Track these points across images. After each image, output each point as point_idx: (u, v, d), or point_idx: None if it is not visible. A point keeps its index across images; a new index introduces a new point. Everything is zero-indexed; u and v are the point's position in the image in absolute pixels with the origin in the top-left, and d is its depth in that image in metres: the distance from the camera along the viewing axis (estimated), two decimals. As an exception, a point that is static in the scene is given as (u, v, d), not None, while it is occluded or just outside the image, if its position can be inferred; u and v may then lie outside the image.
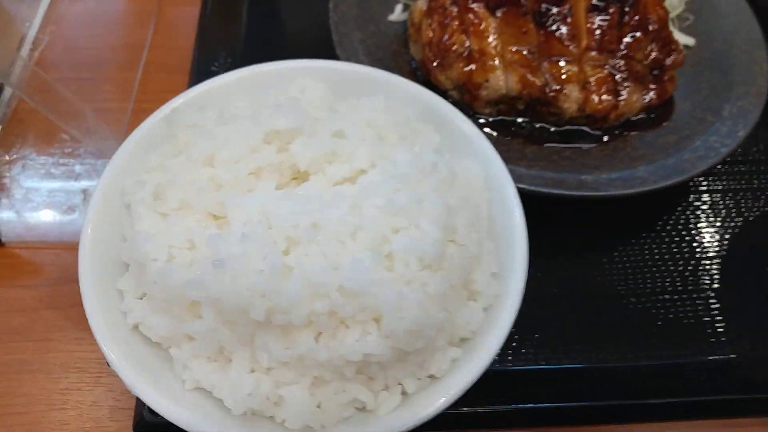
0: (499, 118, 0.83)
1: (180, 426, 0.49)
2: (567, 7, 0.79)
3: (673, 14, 0.93)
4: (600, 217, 0.79)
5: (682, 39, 0.90)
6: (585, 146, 0.80)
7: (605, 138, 0.82)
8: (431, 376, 0.52)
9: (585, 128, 0.82)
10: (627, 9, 0.80)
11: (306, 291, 0.45)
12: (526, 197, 0.58)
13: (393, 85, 0.64)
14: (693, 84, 0.86)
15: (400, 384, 0.51)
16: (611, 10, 0.80)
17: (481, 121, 0.83)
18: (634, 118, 0.83)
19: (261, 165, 0.53)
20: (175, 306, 0.48)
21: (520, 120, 0.83)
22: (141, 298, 0.53)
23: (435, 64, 0.80)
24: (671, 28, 0.87)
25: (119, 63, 0.96)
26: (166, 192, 0.53)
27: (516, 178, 0.60)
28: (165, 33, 0.99)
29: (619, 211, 0.79)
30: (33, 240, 0.80)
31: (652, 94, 0.82)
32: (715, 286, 0.75)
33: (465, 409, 0.60)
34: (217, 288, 0.44)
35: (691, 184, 0.84)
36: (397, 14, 0.93)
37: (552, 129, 0.82)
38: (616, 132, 0.82)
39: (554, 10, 0.79)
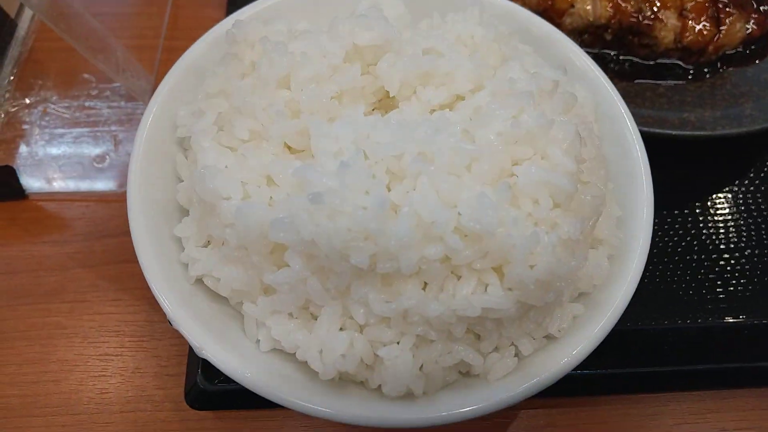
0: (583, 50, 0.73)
1: (258, 393, 0.41)
2: None
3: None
4: (698, 160, 0.71)
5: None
6: (679, 83, 0.71)
7: (698, 74, 0.72)
8: (547, 336, 0.44)
9: (679, 62, 0.72)
10: None
11: (417, 233, 0.37)
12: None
13: (481, 3, 0.54)
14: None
15: (512, 345, 0.43)
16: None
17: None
18: (729, 52, 0.74)
19: (344, 88, 0.44)
20: (253, 253, 0.40)
21: (606, 52, 0.73)
22: (205, 246, 0.45)
23: (509, -11, 0.71)
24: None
25: (145, -5, 0.86)
26: (233, 121, 0.44)
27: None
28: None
29: (719, 154, 0.71)
30: (59, 191, 0.72)
31: (752, 23, 0.72)
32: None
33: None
34: (311, 229, 0.36)
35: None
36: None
37: (635, 61, 0.73)
38: (710, 68, 0.73)
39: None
